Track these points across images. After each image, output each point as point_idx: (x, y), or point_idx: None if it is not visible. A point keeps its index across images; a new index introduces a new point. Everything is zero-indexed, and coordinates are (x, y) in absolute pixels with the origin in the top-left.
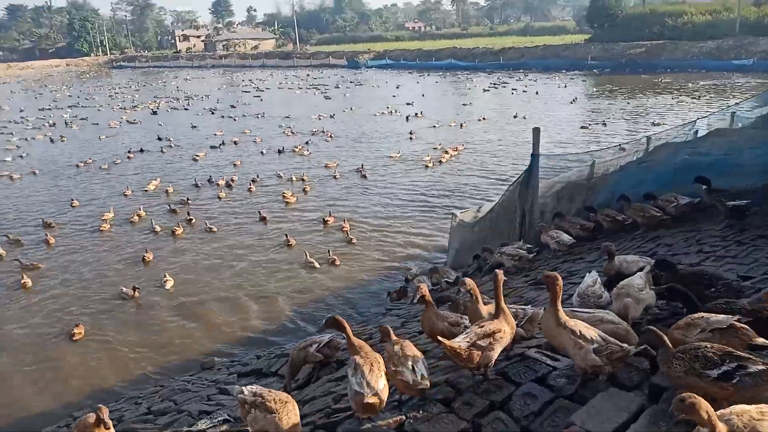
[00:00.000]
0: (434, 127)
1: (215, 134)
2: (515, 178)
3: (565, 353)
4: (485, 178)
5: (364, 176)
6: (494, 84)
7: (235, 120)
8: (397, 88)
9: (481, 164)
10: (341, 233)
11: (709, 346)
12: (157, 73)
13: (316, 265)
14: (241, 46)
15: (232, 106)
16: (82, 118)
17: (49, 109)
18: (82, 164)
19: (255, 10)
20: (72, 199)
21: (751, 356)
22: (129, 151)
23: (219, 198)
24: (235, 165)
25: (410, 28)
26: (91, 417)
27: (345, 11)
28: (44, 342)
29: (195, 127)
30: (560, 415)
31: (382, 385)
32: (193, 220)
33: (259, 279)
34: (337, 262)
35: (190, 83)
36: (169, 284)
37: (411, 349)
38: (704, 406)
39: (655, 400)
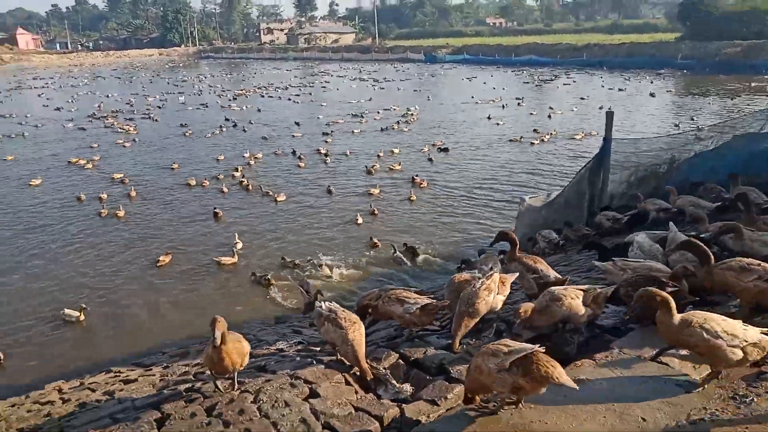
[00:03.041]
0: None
1: (318, 117)
2: (586, 163)
3: None
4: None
5: (445, 150)
6: (572, 79)
7: (322, 106)
8: (481, 82)
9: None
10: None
11: None
12: (242, 64)
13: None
14: (321, 40)
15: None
16: (202, 104)
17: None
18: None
19: (337, 5)
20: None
21: None
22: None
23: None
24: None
25: (491, 24)
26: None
27: (425, 6)
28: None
29: (297, 120)
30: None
31: None
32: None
33: (340, 245)
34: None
35: (274, 74)
36: (239, 245)
37: None
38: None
39: None
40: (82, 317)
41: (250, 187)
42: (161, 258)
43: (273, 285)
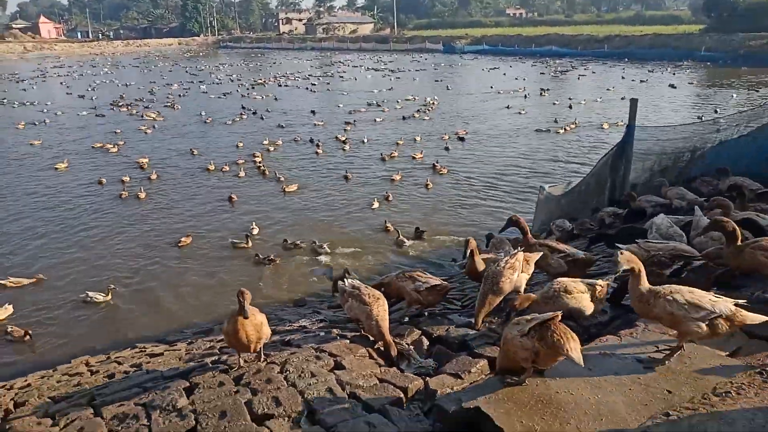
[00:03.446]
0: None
1: (338, 106)
2: (608, 150)
3: None
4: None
5: (461, 139)
6: (593, 71)
7: (342, 95)
8: (500, 73)
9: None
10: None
11: None
12: (261, 54)
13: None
14: (340, 30)
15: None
16: (222, 93)
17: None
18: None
19: None
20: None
21: None
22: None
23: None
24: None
25: (511, 15)
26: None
27: None
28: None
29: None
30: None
31: None
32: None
33: (357, 232)
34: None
35: (293, 63)
36: (255, 230)
37: None
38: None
39: None
40: (110, 297)
41: (267, 172)
42: (182, 239)
43: (278, 265)
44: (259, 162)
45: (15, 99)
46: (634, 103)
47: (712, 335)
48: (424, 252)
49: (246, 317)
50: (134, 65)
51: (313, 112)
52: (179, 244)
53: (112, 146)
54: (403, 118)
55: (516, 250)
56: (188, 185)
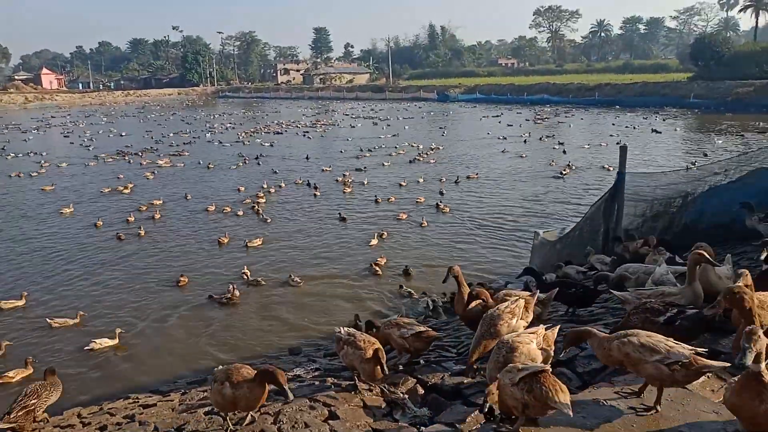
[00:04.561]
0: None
1: (340, 151)
2: (600, 195)
3: None
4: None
5: (456, 182)
6: (584, 118)
7: (337, 141)
8: (495, 120)
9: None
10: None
11: None
12: (258, 103)
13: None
14: (336, 80)
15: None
16: (221, 140)
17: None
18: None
19: (352, 47)
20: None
21: None
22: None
23: (344, 192)
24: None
25: (503, 64)
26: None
27: (439, 48)
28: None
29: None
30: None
31: None
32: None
33: (354, 277)
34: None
35: (290, 112)
36: (248, 275)
37: None
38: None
39: None
40: (117, 341)
41: (260, 212)
42: (181, 279)
43: (236, 304)
44: (261, 202)
45: (19, 150)
46: (623, 150)
47: (676, 381)
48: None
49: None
50: (132, 114)
51: (307, 157)
52: (179, 284)
53: (123, 188)
54: (410, 161)
55: (517, 296)
56: (188, 225)
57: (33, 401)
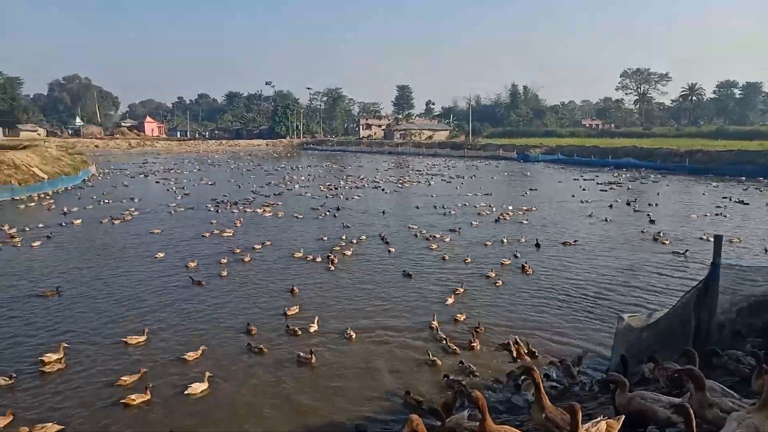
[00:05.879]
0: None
1: (416, 207)
2: (693, 285)
3: None
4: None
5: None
6: (673, 185)
7: (432, 196)
8: (578, 183)
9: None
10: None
11: None
12: (341, 156)
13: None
14: (416, 136)
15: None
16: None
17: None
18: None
19: (433, 104)
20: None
21: None
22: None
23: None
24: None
25: (587, 125)
26: None
27: (520, 107)
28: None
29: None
30: None
31: None
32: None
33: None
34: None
35: (370, 166)
36: (313, 328)
37: None
38: None
39: None
40: (207, 386)
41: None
42: (251, 328)
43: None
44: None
45: (123, 196)
46: (718, 240)
47: None
48: (479, 360)
49: None
50: (219, 164)
51: (383, 212)
52: (251, 332)
53: (227, 230)
54: (496, 221)
55: (599, 418)
56: (270, 271)
57: None
